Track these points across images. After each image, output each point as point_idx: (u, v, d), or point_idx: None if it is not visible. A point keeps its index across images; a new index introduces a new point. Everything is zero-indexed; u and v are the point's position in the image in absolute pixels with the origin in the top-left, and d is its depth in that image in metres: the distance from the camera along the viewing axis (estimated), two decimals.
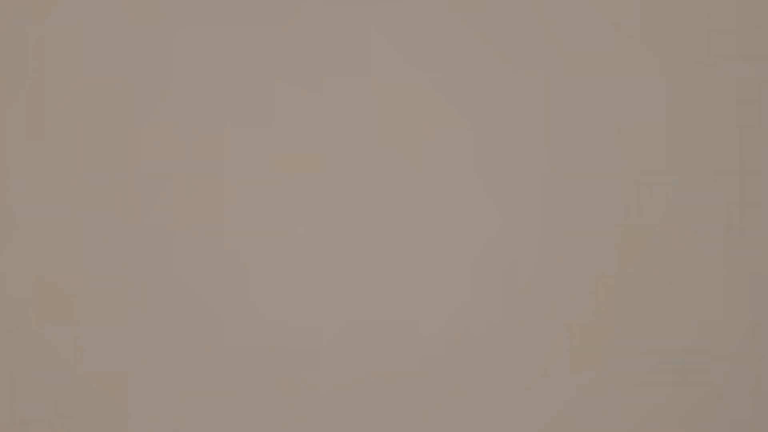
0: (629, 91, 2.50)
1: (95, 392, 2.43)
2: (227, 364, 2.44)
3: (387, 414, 2.46)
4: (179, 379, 2.44)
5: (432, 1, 2.49)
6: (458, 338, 2.47)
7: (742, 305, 2.50)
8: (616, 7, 2.51)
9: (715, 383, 2.49)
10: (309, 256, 2.46)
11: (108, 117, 2.46)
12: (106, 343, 2.43)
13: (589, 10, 2.51)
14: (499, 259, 2.47)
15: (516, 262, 2.48)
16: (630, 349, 2.49)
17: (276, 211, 2.46)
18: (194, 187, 2.45)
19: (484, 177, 2.48)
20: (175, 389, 2.44)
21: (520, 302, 2.47)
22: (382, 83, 2.48)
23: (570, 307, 2.48)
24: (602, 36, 2.50)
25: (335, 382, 2.45)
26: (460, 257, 2.47)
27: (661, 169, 2.50)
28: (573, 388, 2.48)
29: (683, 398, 2.49)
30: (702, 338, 2.50)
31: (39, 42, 2.45)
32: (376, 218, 2.48)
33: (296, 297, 2.46)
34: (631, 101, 2.50)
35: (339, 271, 2.46)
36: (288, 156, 2.47)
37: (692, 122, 2.51)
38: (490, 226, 2.47)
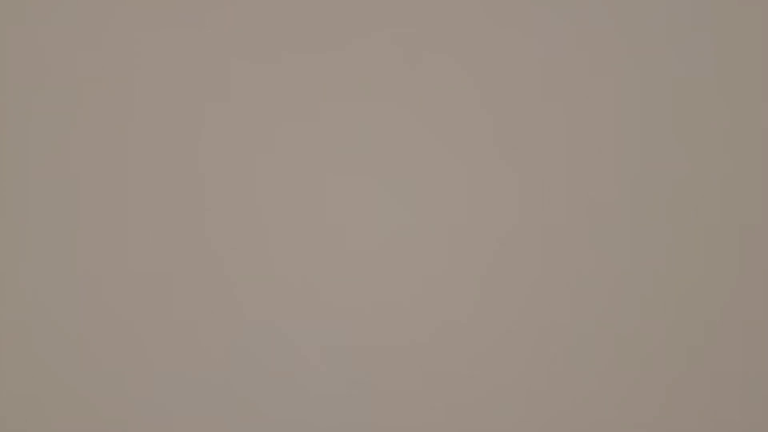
0: (637, 90, 2.51)
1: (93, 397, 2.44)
2: (225, 367, 2.45)
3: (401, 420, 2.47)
4: (179, 387, 2.44)
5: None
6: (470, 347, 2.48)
7: (752, 308, 2.51)
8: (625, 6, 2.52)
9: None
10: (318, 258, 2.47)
11: (92, 116, 2.45)
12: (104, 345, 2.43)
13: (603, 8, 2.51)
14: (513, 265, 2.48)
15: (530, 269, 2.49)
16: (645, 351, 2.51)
17: (282, 220, 2.47)
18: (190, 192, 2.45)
19: (499, 178, 2.49)
20: (174, 395, 2.44)
21: (533, 309, 2.49)
22: (396, 90, 2.49)
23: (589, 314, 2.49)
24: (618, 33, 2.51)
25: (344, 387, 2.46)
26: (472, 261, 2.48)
27: (673, 166, 2.51)
28: (589, 388, 2.49)
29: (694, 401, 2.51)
30: (722, 340, 2.51)
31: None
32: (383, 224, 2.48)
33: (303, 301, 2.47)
34: (639, 101, 2.51)
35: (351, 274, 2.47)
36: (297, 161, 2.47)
37: (704, 118, 2.53)
38: (506, 228, 2.48)
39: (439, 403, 2.46)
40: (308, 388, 2.44)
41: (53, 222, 2.43)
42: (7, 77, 2.43)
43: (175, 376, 2.42)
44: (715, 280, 2.50)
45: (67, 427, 2.42)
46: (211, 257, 2.44)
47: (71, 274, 2.42)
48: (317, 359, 2.44)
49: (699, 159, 2.51)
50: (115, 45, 2.44)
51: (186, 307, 2.43)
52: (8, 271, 2.41)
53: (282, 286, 2.44)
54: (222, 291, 2.44)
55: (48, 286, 2.42)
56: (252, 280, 2.44)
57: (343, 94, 2.47)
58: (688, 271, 2.50)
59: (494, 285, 2.47)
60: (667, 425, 2.50)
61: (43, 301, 2.42)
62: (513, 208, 2.47)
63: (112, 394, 2.42)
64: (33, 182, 2.43)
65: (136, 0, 2.45)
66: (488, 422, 2.47)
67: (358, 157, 2.47)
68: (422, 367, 2.46)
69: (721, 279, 2.50)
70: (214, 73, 2.45)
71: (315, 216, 2.46)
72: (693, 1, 2.51)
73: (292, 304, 2.45)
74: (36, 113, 2.43)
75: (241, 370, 2.43)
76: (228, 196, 2.44)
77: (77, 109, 2.44)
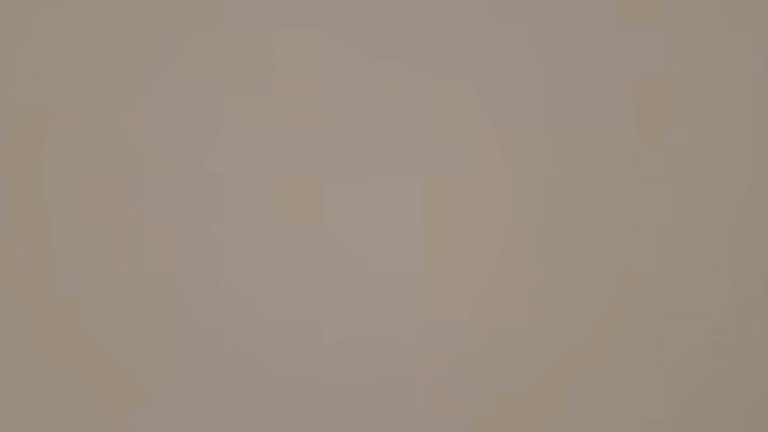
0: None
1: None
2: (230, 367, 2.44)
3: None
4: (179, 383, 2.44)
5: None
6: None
7: (756, 312, 2.51)
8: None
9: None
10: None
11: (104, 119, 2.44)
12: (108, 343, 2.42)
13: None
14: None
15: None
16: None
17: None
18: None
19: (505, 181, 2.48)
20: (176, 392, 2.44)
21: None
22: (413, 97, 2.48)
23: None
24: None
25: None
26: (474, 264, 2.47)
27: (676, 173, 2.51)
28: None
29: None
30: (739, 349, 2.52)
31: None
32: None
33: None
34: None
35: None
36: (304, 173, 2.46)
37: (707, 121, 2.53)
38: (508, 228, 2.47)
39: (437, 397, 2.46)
40: (316, 387, 2.44)
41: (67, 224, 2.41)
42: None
43: (183, 377, 2.42)
44: (714, 279, 2.51)
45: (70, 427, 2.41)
46: (217, 259, 2.43)
47: (87, 275, 2.41)
48: (326, 359, 2.43)
49: (695, 157, 2.51)
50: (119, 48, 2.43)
51: (194, 308, 2.42)
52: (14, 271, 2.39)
53: (289, 289, 2.43)
54: (230, 291, 2.43)
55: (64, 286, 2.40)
56: (259, 283, 2.43)
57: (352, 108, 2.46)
58: (687, 270, 2.49)
59: (495, 288, 2.46)
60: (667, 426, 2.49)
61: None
62: (511, 212, 2.46)
63: (118, 393, 2.42)
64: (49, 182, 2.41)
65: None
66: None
67: (364, 161, 2.46)
68: (421, 366, 2.45)
69: (719, 279, 2.50)
70: (225, 72, 2.44)
71: (318, 218, 2.45)
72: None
73: (301, 305, 2.44)
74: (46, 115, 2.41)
75: (249, 369, 2.43)
76: (240, 200, 2.43)
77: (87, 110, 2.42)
